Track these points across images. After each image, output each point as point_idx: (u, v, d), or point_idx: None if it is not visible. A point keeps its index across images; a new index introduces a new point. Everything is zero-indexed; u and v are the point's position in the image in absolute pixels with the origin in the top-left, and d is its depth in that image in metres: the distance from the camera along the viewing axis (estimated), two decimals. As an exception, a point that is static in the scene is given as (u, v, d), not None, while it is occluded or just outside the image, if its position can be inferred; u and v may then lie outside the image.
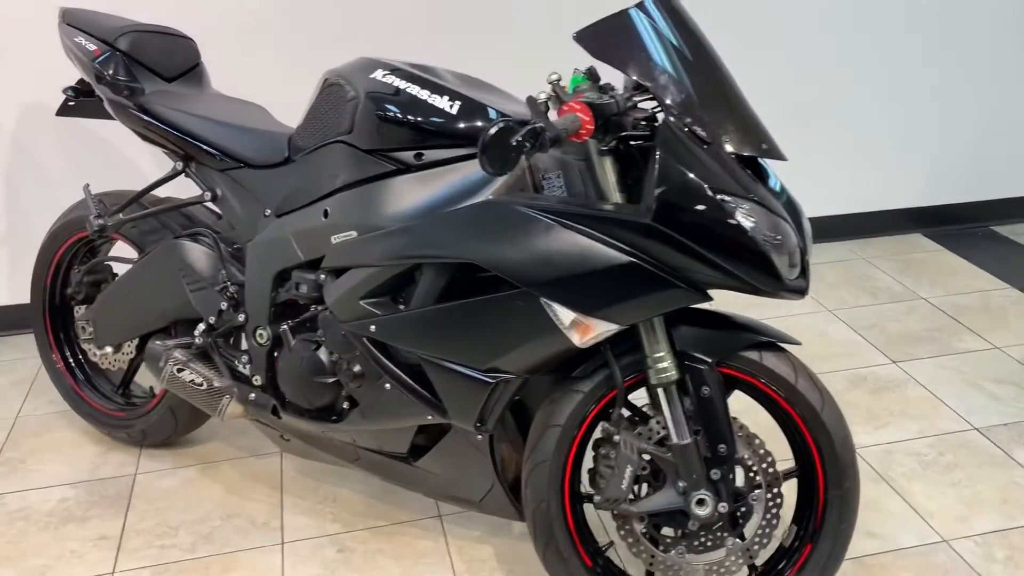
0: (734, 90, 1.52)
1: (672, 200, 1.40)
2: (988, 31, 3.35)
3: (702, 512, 1.59)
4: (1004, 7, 3.33)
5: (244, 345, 1.97)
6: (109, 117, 2.27)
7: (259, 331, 1.89)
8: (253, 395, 1.94)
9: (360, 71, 1.71)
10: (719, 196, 1.41)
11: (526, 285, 1.50)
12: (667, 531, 1.68)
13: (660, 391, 1.59)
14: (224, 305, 1.92)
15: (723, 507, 1.60)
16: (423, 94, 1.65)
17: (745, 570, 1.70)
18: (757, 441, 1.65)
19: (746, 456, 1.64)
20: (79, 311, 2.25)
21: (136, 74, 2.05)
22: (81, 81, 2.17)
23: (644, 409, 1.69)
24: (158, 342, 2.02)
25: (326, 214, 1.74)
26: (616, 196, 1.52)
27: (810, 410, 1.62)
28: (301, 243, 1.80)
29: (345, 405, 1.84)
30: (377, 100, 1.65)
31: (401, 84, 1.66)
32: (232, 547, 2.01)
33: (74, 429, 2.43)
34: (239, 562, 1.97)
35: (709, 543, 1.65)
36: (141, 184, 2.14)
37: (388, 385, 1.71)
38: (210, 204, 1.99)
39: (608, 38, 1.49)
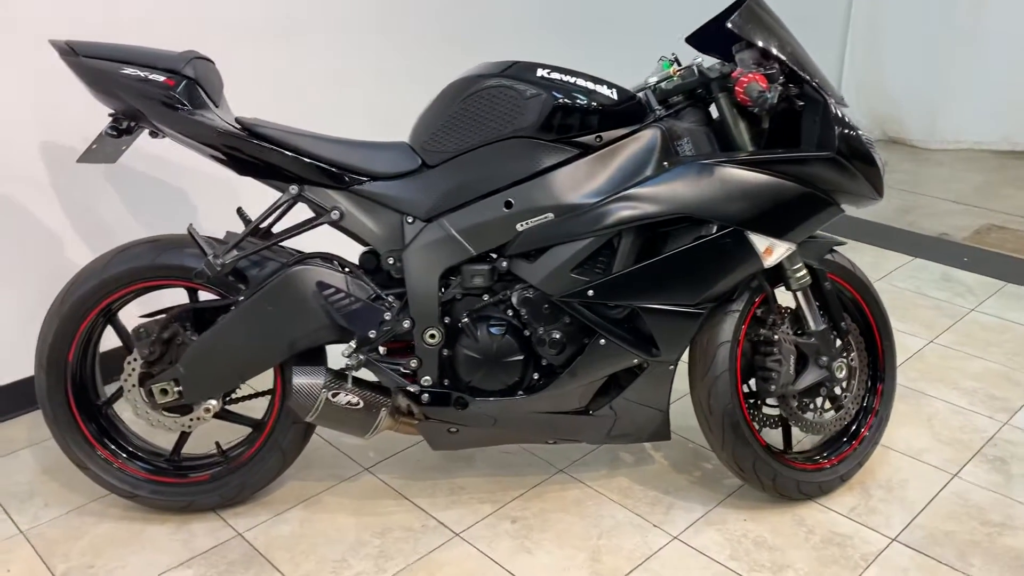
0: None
1: (845, 136, 1.90)
2: None
3: (842, 375, 2.12)
4: None
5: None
6: (111, 160, 2.06)
7: (429, 331, 1.96)
8: (427, 396, 1.99)
9: (524, 71, 1.90)
10: (859, 131, 1.94)
11: (734, 223, 1.88)
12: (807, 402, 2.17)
13: (799, 293, 2.08)
14: (387, 315, 1.94)
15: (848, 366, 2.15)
16: (590, 84, 1.92)
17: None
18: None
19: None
20: (133, 377, 2.00)
21: (205, 101, 1.93)
22: (117, 117, 1.93)
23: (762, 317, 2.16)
24: (306, 375, 1.94)
25: (509, 204, 1.90)
26: (750, 147, 1.97)
27: (864, 287, 2.24)
28: (471, 238, 1.92)
29: (535, 376, 2.01)
30: (561, 93, 1.87)
31: (569, 78, 1.91)
32: (417, 553, 2.03)
33: (113, 520, 2.13)
34: (438, 562, 2.01)
35: (836, 402, 2.18)
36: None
37: (603, 341, 1.95)
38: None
39: (752, 23, 1.91)
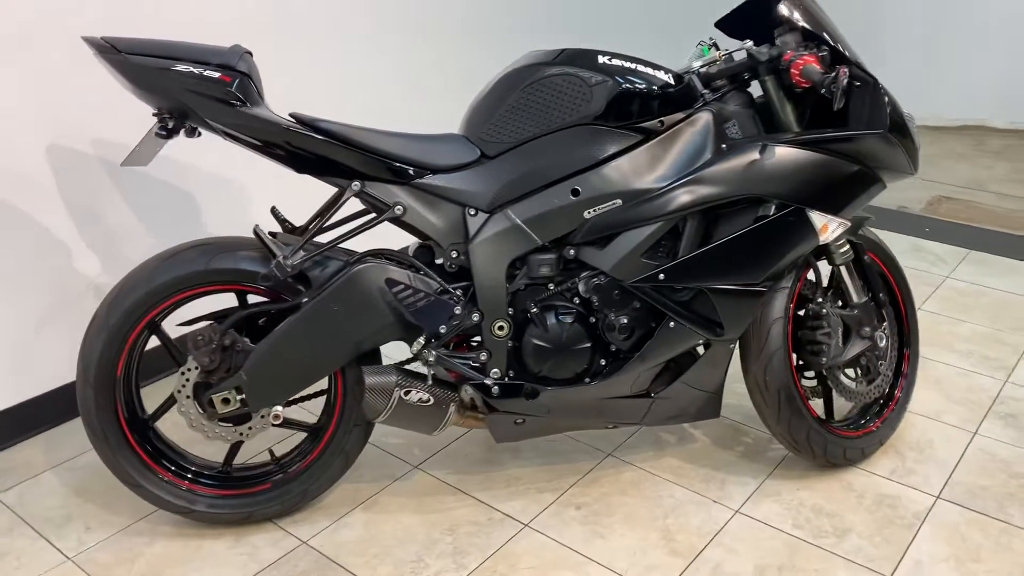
0: (848, 43, 2.12)
1: (894, 113, 1.97)
2: None
3: (883, 344, 2.21)
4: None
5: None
6: (145, 163, 1.97)
7: (498, 324, 1.94)
8: (497, 389, 1.97)
9: (583, 58, 1.90)
10: (901, 108, 2.02)
11: (796, 202, 1.94)
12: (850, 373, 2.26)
13: (843, 268, 2.16)
14: (458, 310, 1.91)
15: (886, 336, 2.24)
16: (649, 70, 1.94)
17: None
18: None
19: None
20: (188, 388, 1.92)
21: (257, 97, 1.86)
22: (163, 116, 1.84)
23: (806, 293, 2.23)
24: (379, 374, 1.91)
25: (576, 192, 1.90)
26: (796, 127, 2.03)
27: (890, 259, 2.34)
28: (538, 227, 1.92)
29: (601, 362, 2.02)
30: (625, 79, 1.89)
31: (630, 64, 1.92)
32: (492, 547, 2.02)
33: (166, 538, 2.04)
34: (515, 553, 2.00)
35: (875, 371, 2.28)
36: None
37: (672, 323, 1.97)
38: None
39: (799, 8, 1.97)
